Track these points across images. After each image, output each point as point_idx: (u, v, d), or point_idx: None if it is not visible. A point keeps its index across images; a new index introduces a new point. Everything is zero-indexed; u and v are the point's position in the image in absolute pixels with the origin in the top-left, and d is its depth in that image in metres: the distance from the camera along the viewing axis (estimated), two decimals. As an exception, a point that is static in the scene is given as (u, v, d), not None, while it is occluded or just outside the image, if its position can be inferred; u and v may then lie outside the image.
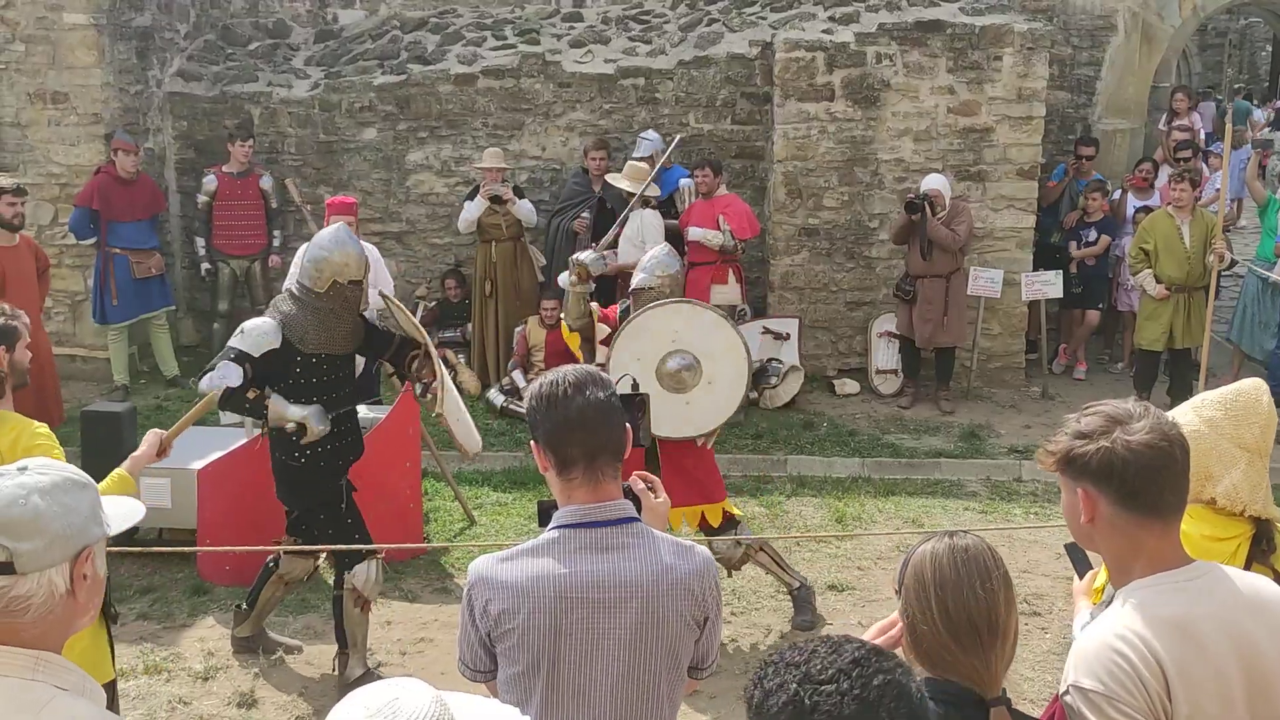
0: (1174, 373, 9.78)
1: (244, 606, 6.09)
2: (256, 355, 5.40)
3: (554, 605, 2.59)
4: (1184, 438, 2.41)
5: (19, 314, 4.33)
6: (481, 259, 10.36)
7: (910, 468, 8.83)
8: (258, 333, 5.45)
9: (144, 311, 10.28)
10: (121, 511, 2.19)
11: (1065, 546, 3.12)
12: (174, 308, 10.88)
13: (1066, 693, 2.33)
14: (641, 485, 2.90)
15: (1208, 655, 2.28)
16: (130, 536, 7.04)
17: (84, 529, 2.03)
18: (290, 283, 5.69)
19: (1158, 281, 9.39)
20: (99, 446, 7.22)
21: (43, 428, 4.07)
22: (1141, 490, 2.33)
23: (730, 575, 6.52)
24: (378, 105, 11.26)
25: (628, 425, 2.73)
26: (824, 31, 10.45)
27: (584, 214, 10.27)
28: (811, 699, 1.64)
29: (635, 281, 6.23)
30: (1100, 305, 10.80)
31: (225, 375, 5.36)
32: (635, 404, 2.98)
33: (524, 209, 10.22)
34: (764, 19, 11.19)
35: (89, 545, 2.04)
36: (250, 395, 5.46)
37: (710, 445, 6.23)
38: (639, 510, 2.86)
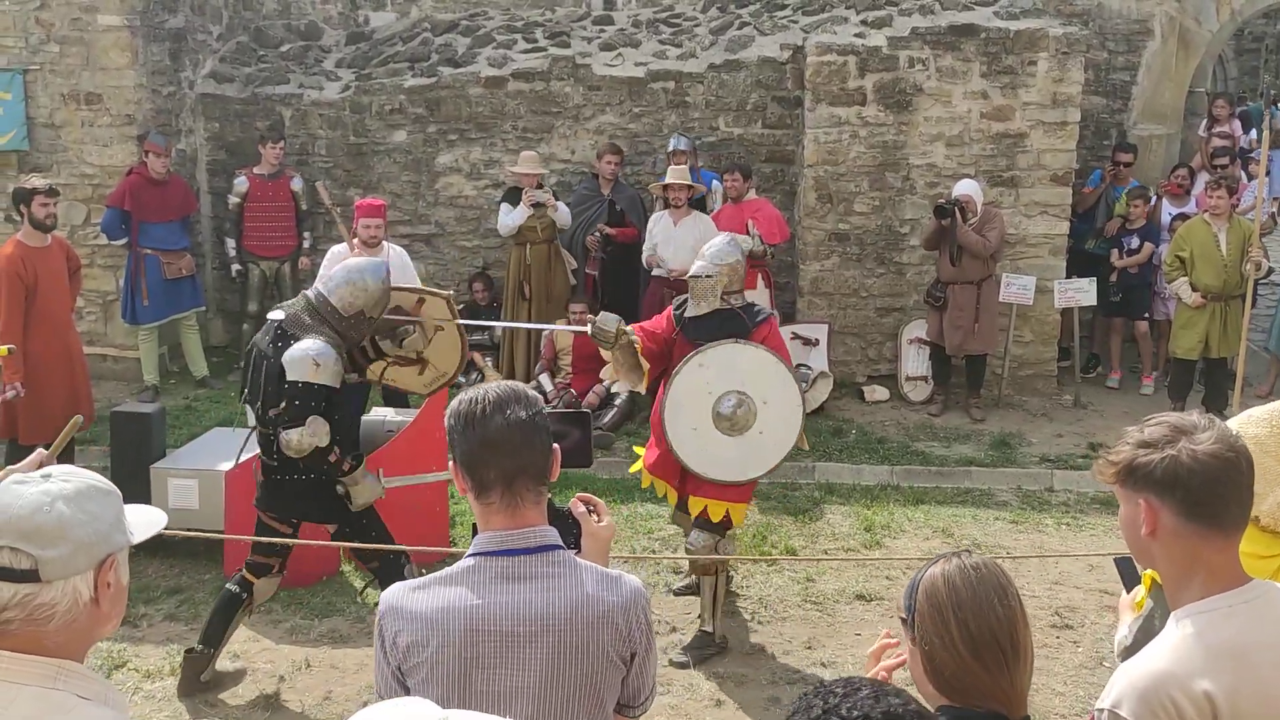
0: (1209, 382, 9.66)
1: (201, 648, 5.69)
2: (338, 386, 5.32)
3: (463, 638, 2.42)
4: (1248, 450, 2.36)
5: None
6: (515, 261, 10.32)
7: (940, 476, 8.75)
8: (333, 361, 5.29)
9: (174, 312, 10.32)
10: (144, 520, 2.17)
11: (1115, 561, 3.06)
12: (204, 308, 10.92)
13: (1103, 713, 2.28)
14: (582, 508, 2.75)
15: (1261, 679, 2.23)
16: (159, 537, 7.09)
17: (108, 536, 2.01)
18: (314, 301, 5.50)
19: (1194, 290, 9.27)
20: (128, 447, 7.25)
21: None
22: (1206, 501, 2.28)
23: (691, 575, 6.51)
24: (408, 107, 11.27)
25: (555, 448, 2.55)
26: (856, 35, 10.38)
27: (594, 233, 10.25)
28: None
29: (693, 269, 6.12)
30: (1145, 315, 10.65)
31: (315, 433, 5.22)
32: (578, 422, 2.86)
33: (562, 213, 10.20)
34: (795, 22, 11.14)
35: (113, 553, 2.02)
36: (331, 458, 5.35)
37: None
38: (579, 535, 2.71)
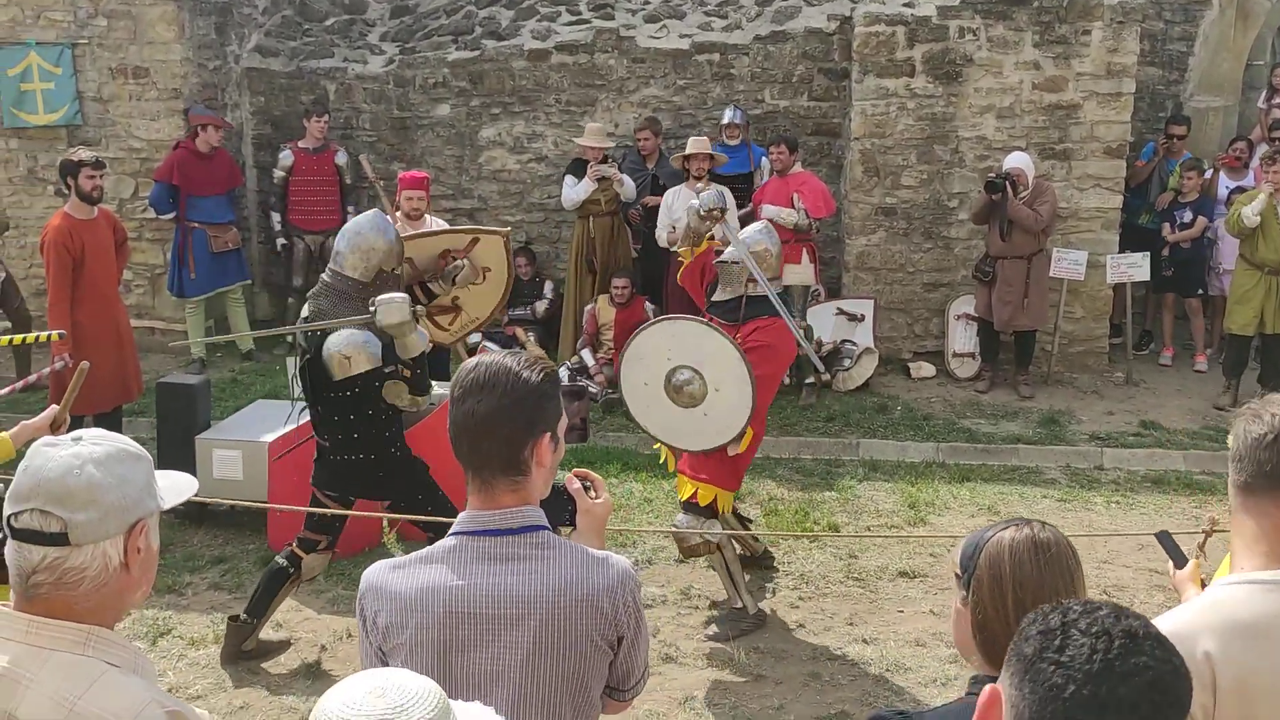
0: (1265, 359, 9.44)
1: (244, 618, 5.70)
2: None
3: (443, 620, 2.33)
4: None
5: None
6: (580, 234, 10.26)
7: (986, 453, 8.63)
8: (361, 345, 5.21)
9: (220, 285, 10.39)
10: (175, 485, 2.14)
11: (1158, 536, 2.99)
12: (250, 282, 10.97)
13: None
14: (577, 484, 2.65)
15: (1277, 667, 2.16)
16: (204, 507, 7.15)
17: (139, 501, 1.98)
18: (332, 283, 5.45)
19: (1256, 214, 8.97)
20: (174, 417, 7.30)
21: None
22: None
23: (684, 559, 6.48)
24: (451, 81, 11.24)
25: (543, 437, 2.38)
26: (905, 5, 10.21)
27: (636, 206, 10.18)
28: (1064, 639, 1.56)
29: (724, 255, 6.12)
30: (1200, 292, 10.43)
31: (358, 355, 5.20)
32: (576, 398, 2.79)
33: (627, 186, 10.14)
34: (843, -7, 10.98)
35: (143, 518, 1.99)
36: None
37: (740, 449, 5.92)
38: (574, 512, 2.63)
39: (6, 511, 1.95)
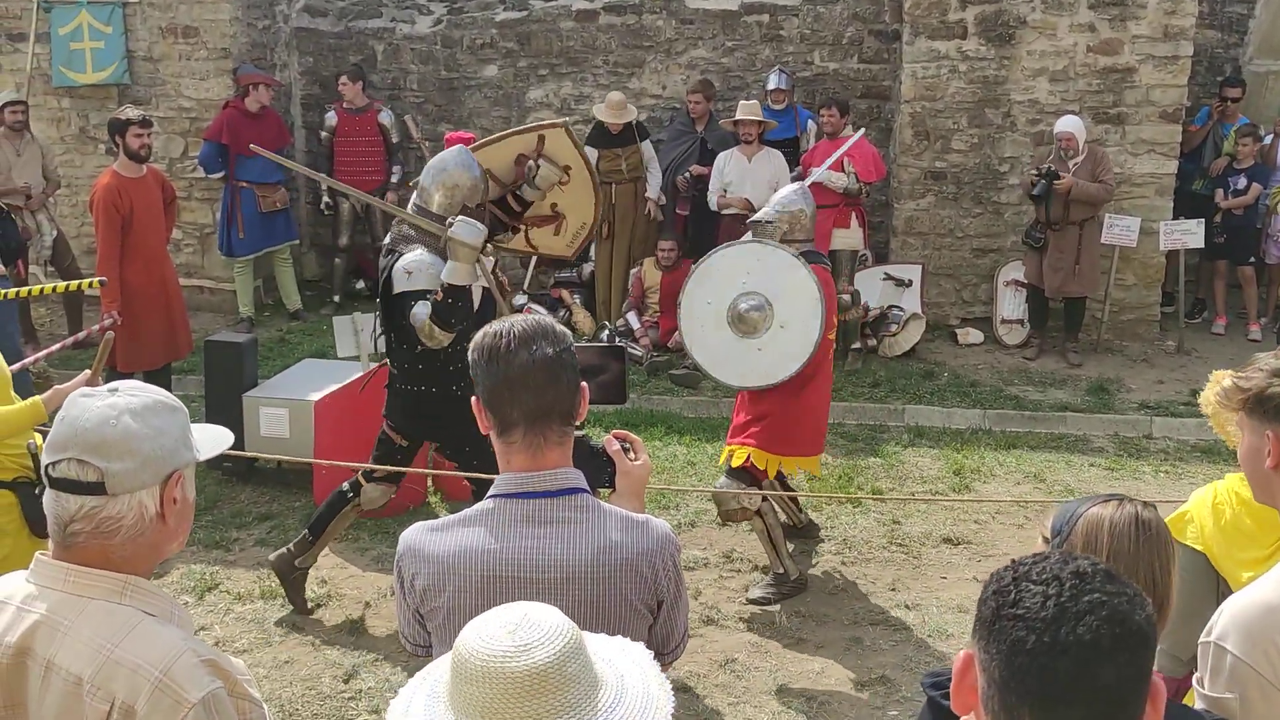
0: None
1: (306, 535, 5.90)
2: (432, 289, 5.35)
3: (481, 584, 2.31)
4: None
5: None
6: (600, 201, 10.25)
7: (1033, 421, 8.55)
8: (426, 267, 5.31)
9: (269, 245, 10.45)
10: (211, 438, 2.16)
11: None
12: (297, 241, 11.04)
13: (1209, 645, 2.21)
14: (617, 446, 2.63)
15: None
16: (251, 465, 7.24)
17: (175, 452, 2.00)
18: (411, 215, 5.54)
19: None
20: (222, 375, 7.36)
21: None
22: None
23: (723, 524, 6.41)
24: (499, 42, 11.21)
25: (584, 386, 2.42)
26: (958, -34, 10.04)
27: (685, 174, 10.12)
28: (1017, 593, 1.58)
29: (758, 214, 6.09)
30: (1251, 260, 10.24)
31: (418, 316, 5.26)
32: (613, 357, 2.75)
33: (653, 179, 10.08)
34: (895, -47, 10.81)
35: (179, 469, 2.01)
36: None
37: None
38: (614, 474, 2.61)
39: (45, 460, 1.98)
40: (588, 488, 2.42)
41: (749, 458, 5.90)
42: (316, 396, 7.10)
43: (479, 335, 2.41)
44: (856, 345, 9.58)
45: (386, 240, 5.68)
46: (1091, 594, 1.55)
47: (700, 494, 6.99)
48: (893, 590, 6.17)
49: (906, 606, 6.00)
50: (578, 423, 2.44)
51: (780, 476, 6.28)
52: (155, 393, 2.02)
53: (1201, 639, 2.24)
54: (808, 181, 9.35)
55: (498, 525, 2.35)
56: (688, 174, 10.14)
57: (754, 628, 5.79)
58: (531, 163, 5.98)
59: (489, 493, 2.41)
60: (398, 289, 5.34)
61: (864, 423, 8.57)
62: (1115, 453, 8.03)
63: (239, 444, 7.16)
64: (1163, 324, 10.25)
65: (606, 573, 2.33)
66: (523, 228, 6.09)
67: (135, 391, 2.00)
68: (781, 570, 6.10)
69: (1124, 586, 1.59)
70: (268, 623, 5.76)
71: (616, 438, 2.66)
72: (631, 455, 2.65)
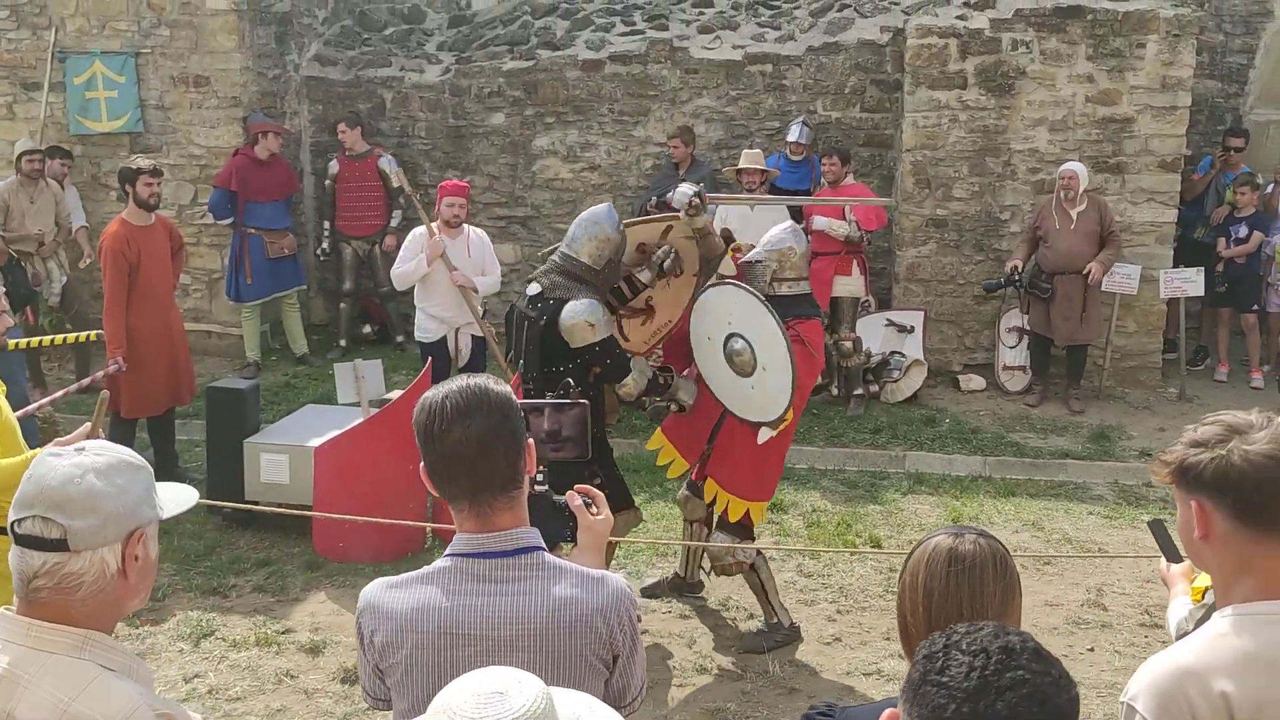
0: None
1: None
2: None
3: (438, 641, 2.34)
4: None
5: None
6: None
7: (1034, 468, 8.56)
8: (603, 314, 5.51)
9: (276, 290, 10.56)
10: (175, 497, 2.22)
11: (1149, 524, 2.97)
12: (305, 287, 11.15)
13: (1123, 701, 2.24)
14: (579, 501, 2.66)
15: None
16: (249, 513, 7.27)
17: (137, 510, 2.06)
18: (563, 264, 5.66)
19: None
20: (224, 421, 7.43)
21: None
22: (1259, 504, 2.19)
23: (713, 574, 6.36)
24: (506, 90, 11.35)
25: (529, 444, 2.43)
26: (958, 17, 10.16)
27: (653, 197, 10.21)
28: (945, 659, 1.61)
29: (748, 255, 6.08)
30: (1254, 307, 10.27)
31: (642, 373, 5.63)
32: (574, 412, 2.75)
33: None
34: (896, 4, 10.95)
35: (141, 527, 2.07)
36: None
37: (764, 440, 5.80)
38: (575, 527, 2.64)
39: (11, 518, 2.04)
40: (543, 545, 2.45)
41: (747, 512, 5.90)
42: (317, 442, 7.16)
43: (416, 408, 2.41)
44: (859, 391, 9.62)
45: (531, 290, 5.71)
46: (1016, 670, 1.57)
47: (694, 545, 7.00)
48: (887, 639, 6.16)
49: (900, 656, 5.96)
50: (535, 475, 2.48)
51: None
52: (120, 452, 2.08)
53: (1121, 696, 2.27)
54: (815, 225, 9.49)
55: (452, 584, 2.39)
56: (654, 198, 10.22)
57: (747, 677, 5.79)
58: (663, 250, 5.96)
59: (446, 551, 2.45)
60: (588, 340, 5.47)
61: (865, 469, 8.58)
62: (1115, 500, 8.03)
63: (239, 489, 7.23)
64: (1165, 371, 10.27)
65: (561, 629, 2.36)
66: (619, 315, 6.12)
67: (101, 451, 2.07)
68: (775, 620, 6.11)
69: (1050, 666, 1.61)
70: (262, 670, 5.77)
71: (579, 492, 2.70)
72: (594, 510, 2.68)
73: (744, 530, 5.97)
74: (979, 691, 1.55)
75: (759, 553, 6.07)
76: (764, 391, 5.68)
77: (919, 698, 1.60)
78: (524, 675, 1.67)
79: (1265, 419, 2.27)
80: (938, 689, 1.58)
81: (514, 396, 2.43)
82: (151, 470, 2.13)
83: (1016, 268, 9.64)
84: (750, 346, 5.64)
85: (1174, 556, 2.93)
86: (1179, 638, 2.84)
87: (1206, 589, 2.91)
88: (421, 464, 2.42)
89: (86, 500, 1.99)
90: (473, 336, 8.21)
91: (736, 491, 5.86)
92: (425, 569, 2.46)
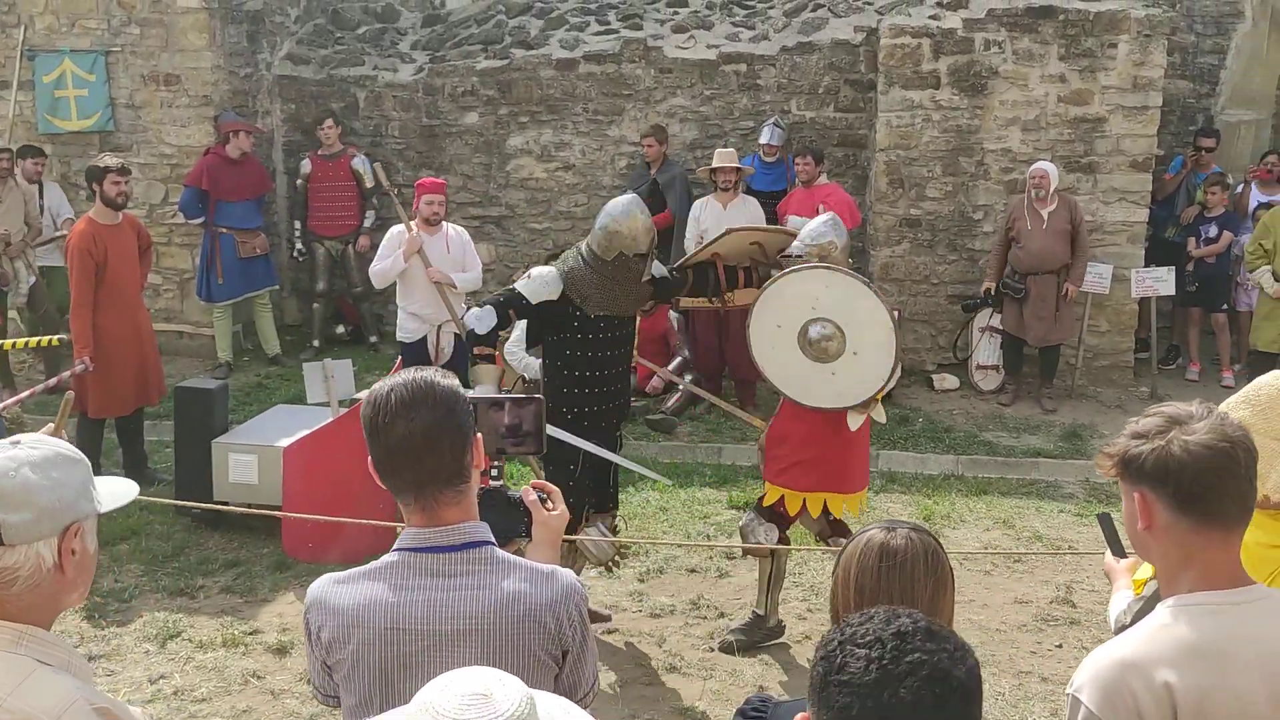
0: (1284, 371, 9.31)
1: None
2: (533, 302, 5.56)
3: (385, 636, 2.32)
4: (1249, 440, 2.25)
5: None
6: None
7: (1006, 467, 8.58)
8: (540, 281, 5.59)
9: (248, 290, 10.50)
10: (114, 491, 2.19)
11: (1097, 517, 2.98)
12: (277, 287, 11.09)
13: (1069, 693, 2.25)
14: (534, 496, 2.64)
15: (1235, 687, 2.14)
16: (218, 514, 7.22)
17: (74, 504, 2.03)
18: (585, 241, 5.79)
19: (1276, 280, 8.97)
20: (192, 421, 7.37)
21: None
22: (1198, 494, 2.20)
23: (744, 556, 6.39)
24: (480, 89, 11.32)
25: (477, 438, 2.40)
26: (931, 17, 10.18)
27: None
28: (842, 658, 1.61)
29: (789, 248, 5.96)
30: (1224, 306, 10.32)
31: (480, 317, 5.55)
32: (530, 407, 2.74)
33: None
34: (870, 4, 10.97)
35: (78, 521, 2.04)
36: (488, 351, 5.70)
37: (858, 426, 5.71)
38: (530, 524, 2.64)
39: None
40: (492, 540, 2.42)
41: (781, 498, 5.84)
42: (286, 442, 7.11)
43: (363, 401, 2.39)
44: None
45: (550, 266, 5.86)
46: (913, 654, 1.58)
47: (670, 542, 7.00)
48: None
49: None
50: (490, 468, 2.46)
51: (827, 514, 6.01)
52: (56, 445, 2.05)
53: (1066, 688, 2.27)
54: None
55: (399, 578, 2.36)
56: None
57: (716, 676, 5.78)
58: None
59: (394, 546, 2.43)
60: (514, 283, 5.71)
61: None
62: (1085, 498, 8.06)
63: (208, 490, 7.17)
64: (1137, 370, 10.31)
65: (508, 624, 2.34)
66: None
67: (36, 444, 2.04)
68: (762, 612, 6.08)
69: (944, 642, 1.62)
70: (228, 671, 5.72)
71: (534, 488, 2.68)
72: (549, 505, 2.67)
73: (775, 516, 5.90)
74: (880, 684, 1.56)
75: (783, 546, 6.00)
76: (850, 376, 5.52)
77: (824, 700, 1.60)
78: (504, 675, 1.65)
79: (1205, 410, 2.27)
80: (840, 689, 1.58)
81: (461, 390, 2.40)
82: (89, 464, 2.10)
83: (990, 290, 9.68)
84: (840, 331, 5.50)
85: (1119, 551, 2.94)
86: (1117, 631, 2.85)
87: (1148, 580, 2.92)
88: (369, 458, 2.39)
89: (21, 494, 1.96)
90: (455, 335, 8.18)
91: (831, 488, 5.80)
92: (372, 564, 2.43)
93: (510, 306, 5.56)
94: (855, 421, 5.66)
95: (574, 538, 5.82)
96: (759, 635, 6.07)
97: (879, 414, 5.83)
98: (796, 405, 5.73)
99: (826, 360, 5.55)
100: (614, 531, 6.22)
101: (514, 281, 5.80)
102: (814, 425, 5.71)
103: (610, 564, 6.20)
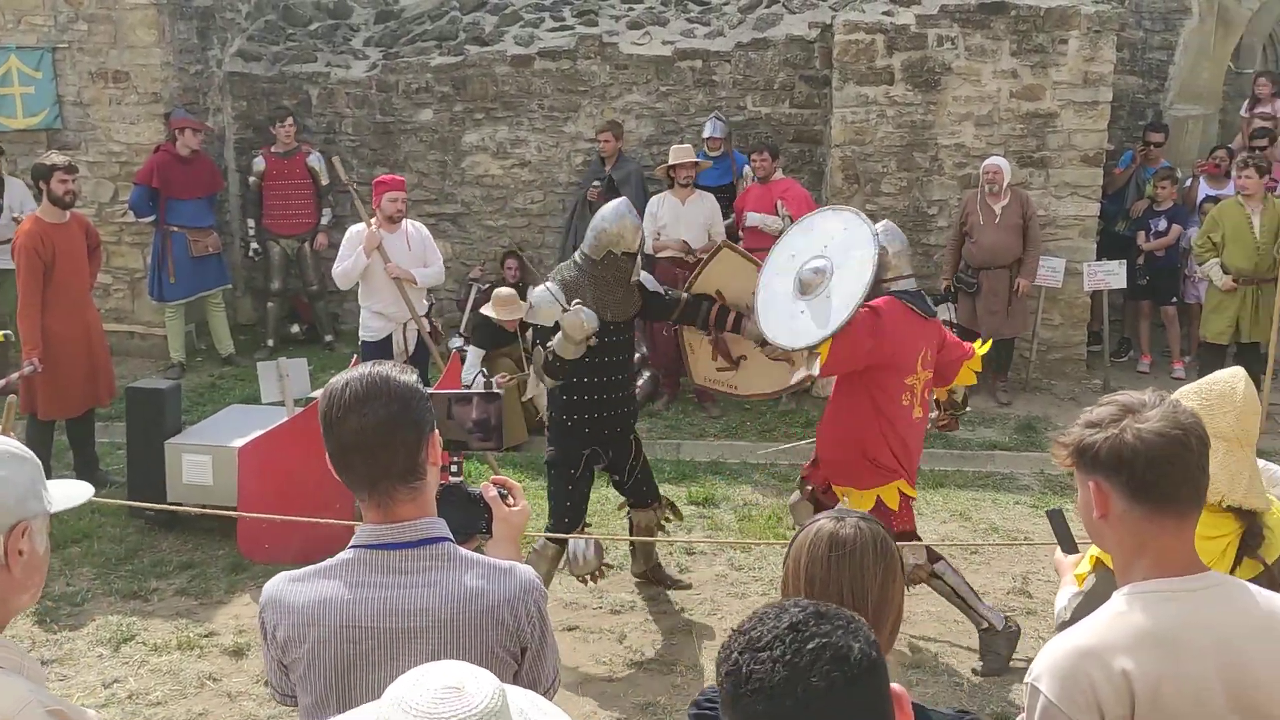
0: (1241, 367, 9.44)
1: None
2: (548, 325, 5.70)
3: (340, 634, 2.29)
4: (1201, 428, 2.28)
5: None
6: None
7: (962, 459, 8.64)
8: (544, 308, 5.70)
9: (201, 290, 10.38)
10: (67, 492, 2.15)
11: (1047, 513, 3.01)
12: (230, 286, 10.97)
13: (1027, 683, 2.27)
14: (494, 492, 2.63)
15: (1190, 673, 2.16)
16: (172, 515, 7.13)
17: (22, 503, 1.99)
18: (575, 256, 6.01)
19: (1225, 272, 9.09)
20: (144, 422, 7.28)
21: None
22: (1152, 482, 2.21)
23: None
24: (434, 86, 11.26)
25: (434, 435, 2.38)
26: (884, 13, 10.22)
27: (595, 183, 10.23)
28: (748, 667, 1.60)
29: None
30: (1174, 300, 10.45)
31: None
32: (489, 403, 2.72)
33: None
34: (824, 0, 11.00)
35: (25, 520, 1.99)
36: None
37: (798, 380, 5.76)
38: (490, 520, 2.63)
39: None
40: (449, 536, 2.40)
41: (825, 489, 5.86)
42: (240, 442, 7.04)
43: (320, 395, 2.37)
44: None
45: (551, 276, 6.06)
46: (811, 641, 1.59)
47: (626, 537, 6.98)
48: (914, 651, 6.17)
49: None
50: (450, 464, 2.44)
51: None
52: (4, 443, 2.01)
53: (1025, 678, 2.29)
54: (748, 223, 9.51)
55: (354, 575, 2.34)
56: (597, 184, 10.22)
57: (677, 670, 5.78)
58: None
59: (350, 543, 2.40)
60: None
61: (796, 463, 8.58)
62: (1040, 490, 8.13)
63: (161, 491, 7.08)
64: (1089, 363, 10.42)
65: (465, 620, 2.32)
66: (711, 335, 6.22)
67: None
68: (986, 625, 5.80)
69: (835, 619, 1.63)
70: (184, 674, 5.65)
71: (495, 484, 2.66)
72: (510, 501, 2.65)
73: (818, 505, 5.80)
74: (791, 680, 1.56)
75: (942, 559, 5.83)
76: (808, 319, 5.45)
77: (739, 713, 1.59)
78: (476, 669, 1.63)
79: (1159, 398, 2.29)
80: (753, 697, 1.58)
81: (419, 386, 2.37)
82: (38, 463, 2.06)
83: (949, 286, 9.73)
84: (830, 273, 5.43)
85: (1069, 547, 2.97)
86: (1059, 626, 2.88)
87: (1088, 574, 2.95)
88: (326, 453, 2.36)
89: None
90: (417, 332, 8.10)
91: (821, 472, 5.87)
92: (328, 561, 2.40)
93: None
94: (796, 375, 5.72)
95: (566, 536, 5.94)
96: (1002, 646, 5.76)
97: (814, 367, 5.58)
98: (835, 409, 5.77)
99: (804, 295, 5.53)
100: (661, 526, 6.47)
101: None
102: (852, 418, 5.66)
103: (590, 577, 6.20)
